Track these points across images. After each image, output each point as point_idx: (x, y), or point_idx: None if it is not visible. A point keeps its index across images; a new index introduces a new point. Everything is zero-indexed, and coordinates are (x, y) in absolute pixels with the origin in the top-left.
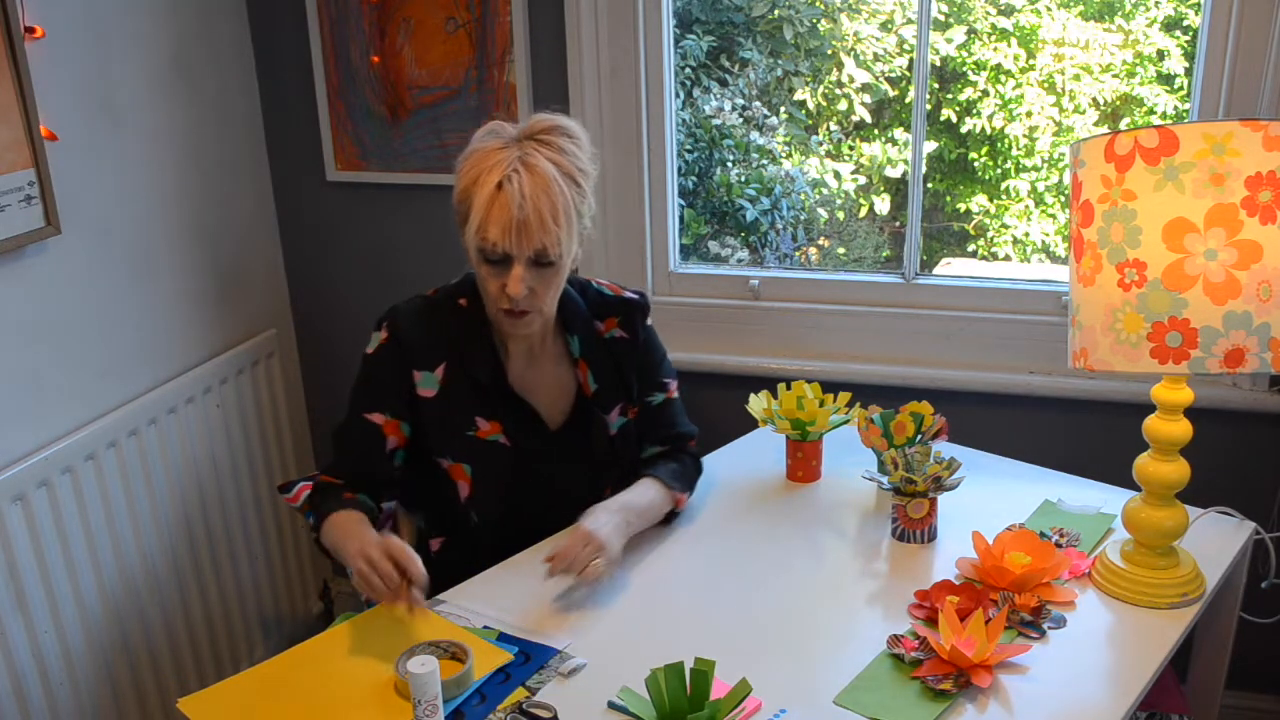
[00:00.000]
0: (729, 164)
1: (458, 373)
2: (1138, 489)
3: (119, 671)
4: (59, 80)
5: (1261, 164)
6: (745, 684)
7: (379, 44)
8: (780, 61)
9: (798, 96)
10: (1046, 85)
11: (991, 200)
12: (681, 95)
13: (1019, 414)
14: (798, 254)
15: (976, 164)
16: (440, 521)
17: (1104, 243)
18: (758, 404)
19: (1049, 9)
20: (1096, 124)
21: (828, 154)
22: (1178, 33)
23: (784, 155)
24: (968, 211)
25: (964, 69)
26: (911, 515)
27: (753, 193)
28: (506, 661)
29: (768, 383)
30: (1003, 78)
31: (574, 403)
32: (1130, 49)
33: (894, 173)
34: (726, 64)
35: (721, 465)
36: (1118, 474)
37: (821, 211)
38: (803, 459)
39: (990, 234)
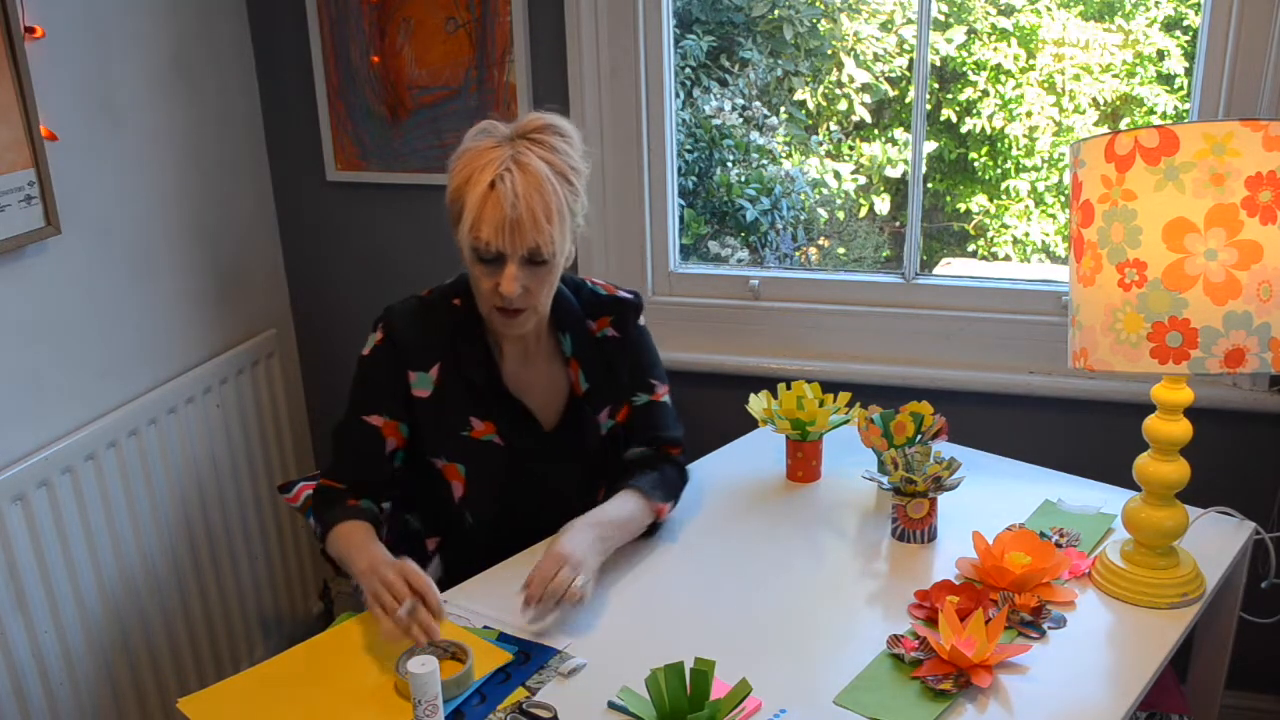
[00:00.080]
0: (729, 164)
1: (452, 373)
2: (1138, 489)
3: (119, 671)
4: (59, 80)
5: (1261, 164)
6: (745, 684)
7: (379, 44)
8: (780, 61)
9: (798, 96)
10: (1046, 85)
11: (991, 200)
12: (681, 95)
13: (1019, 414)
14: (798, 254)
15: (976, 164)
16: (435, 521)
17: (1104, 243)
18: (758, 404)
19: (1049, 9)
20: (1096, 124)
21: (828, 154)
22: (1178, 33)
23: (784, 155)
24: (968, 211)
25: (964, 69)
26: (911, 515)
27: (753, 193)
28: (506, 661)
29: (768, 383)
30: (1003, 78)
31: (567, 402)
32: (1130, 49)
33: (894, 173)
34: (726, 64)
35: (721, 465)
36: (1118, 474)
37: (821, 211)
38: (803, 459)
39: (990, 234)
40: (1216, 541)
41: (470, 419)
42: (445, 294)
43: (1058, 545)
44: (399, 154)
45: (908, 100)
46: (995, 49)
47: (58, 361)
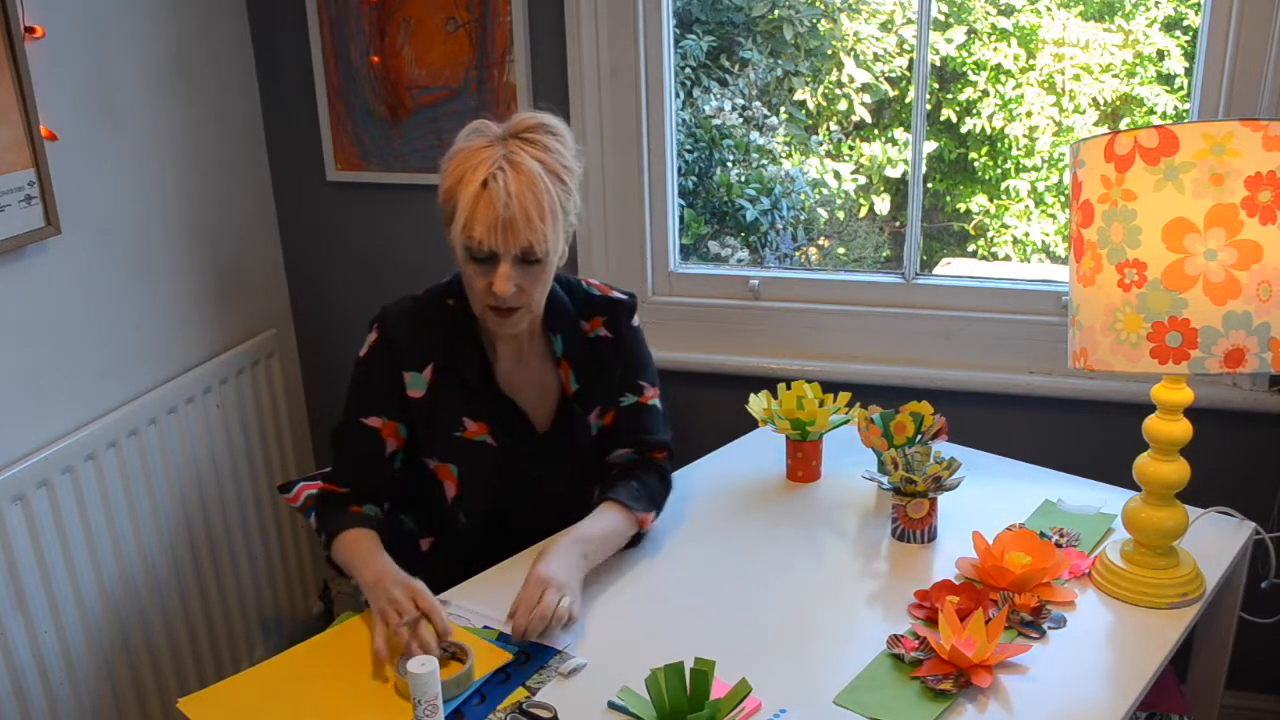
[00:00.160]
0: (729, 164)
1: (445, 373)
2: (1138, 489)
3: (119, 671)
4: (59, 80)
5: (1261, 164)
6: (745, 684)
7: (379, 44)
8: (780, 61)
9: (798, 96)
10: (1046, 85)
11: (991, 200)
12: (681, 95)
13: (1019, 414)
14: (798, 254)
15: (976, 164)
16: (428, 522)
17: (1104, 243)
18: (758, 404)
19: (1049, 9)
20: (1096, 124)
21: (828, 154)
22: (1178, 33)
23: (784, 155)
24: (968, 211)
25: (964, 69)
26: (911, 515)
27: (753, 193)
28: (506, 661)
29: (768, 383)
30: (1003, 78)
31: (558, 403)
32: (1130, 49)
33: (894, 173)
34: (726, 64)
35: (721, 465)
36: (1118, 474)
37: (821, 211)
38: (803, 459)
39: (990, 234)
40: (1216, 541)
41: (463, 419)
42: (439, 294)
43: (1058, 545)
44: (399, 154)
45: (908, 100)
46: (995, 49)
47: (58, 361)
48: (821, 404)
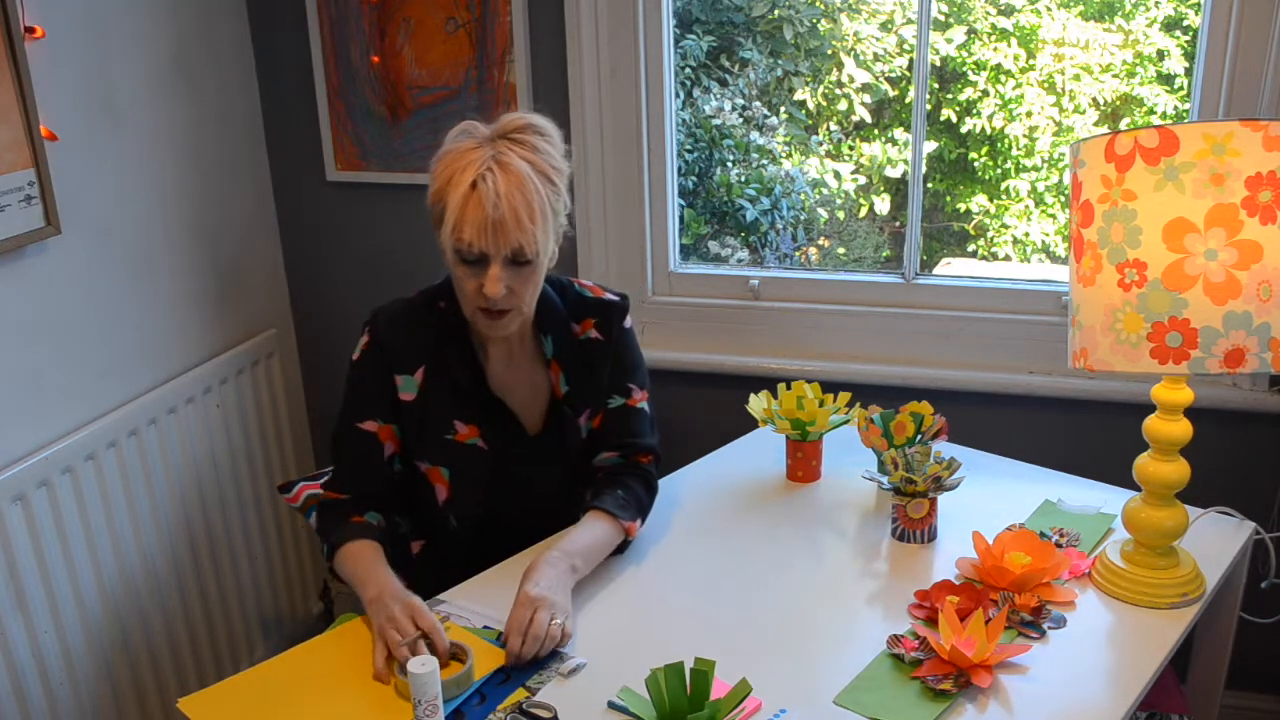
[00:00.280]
0: (729, 164)
1: (436, 376)
2: (1138, 489)
3: (119, 671)
4: (59, 80)
5: (1261, 164)
6: (745, 684)
7: (379, 44)
8: (780, 61)
9: (798, 96)
10: (1046, 85)
11: (991, 200)
12: (681, 95)
13: (1019, 414)
14: (798, 254)
15: (976, 164)
16: (419, 524)
17: (1104, 243)
18: (758, 404)
19: (1049, 9)
20: (1096, 124)
21: (828, 154)
22: (1178, 33)
23: (784, 155)
24: (968, 211)
25: (964, 69)
26: (911, 515)
27: (753, 193)
28: (506, 661)
29: (768, 383)
30: (1003, 78)
31: (549, 404)
32: (1130, 49)
33: (894, 173)
34: (726, 64)
35: (721, 465)
36: (1118, 474)
37: (821, 211)
38: (803, 459)
39: (990, 234)
40: (1216, 541)
41: (454, 422)
42: (431, 296)
43: (1058, 545)
44: (399, 154)
45: (908, 100)
46: (995, 49)
47: (58, 361)
48: (821, 404)
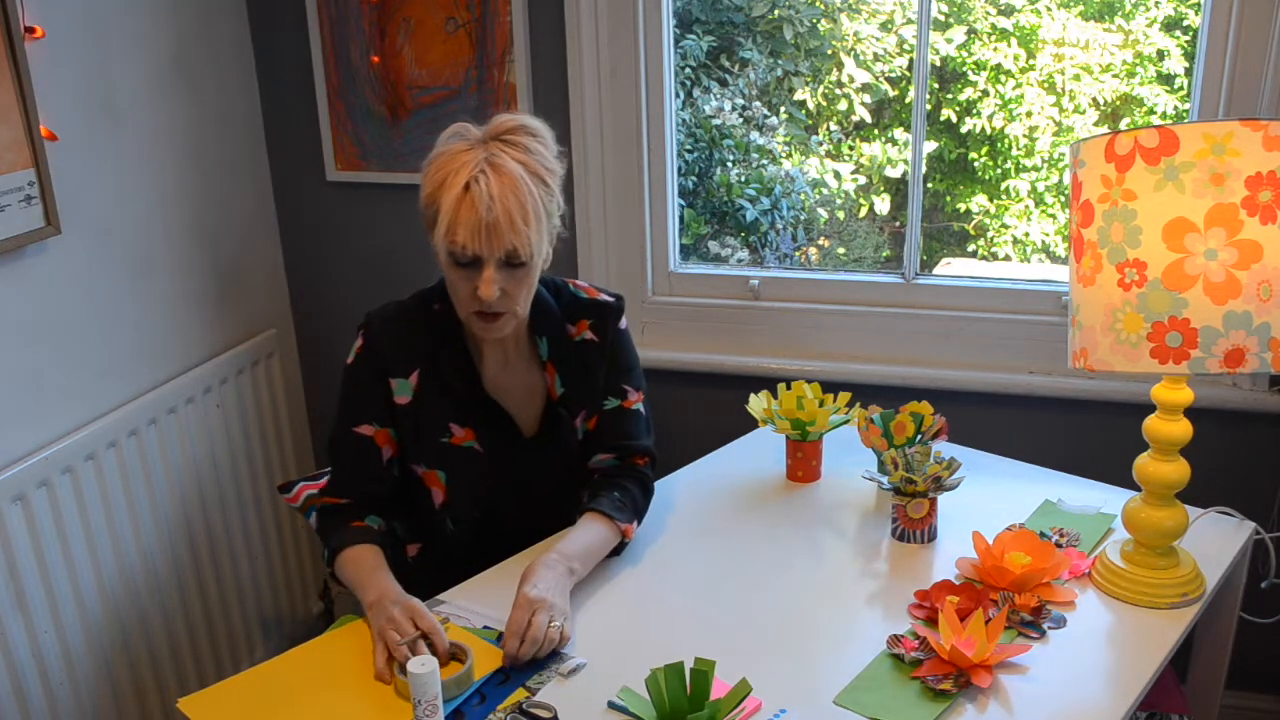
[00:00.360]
0: (729, 164)
1: (431, 379)
2: (1138, 489)
3: (119, 671)
4: (59, 80)
5: (1261, 164)
6: (745, 684)
7: (379, 44)
8: (780, 61)
9: (798, 96)
10: (1046, 85)
11: (991, 200)
12: (681, 95)
13: (1019, 414)
14: (798, 254)
15: (976, 164)
16: (415, 527)
17: (1104, 243)
18: (758, 404)
19: (1049, 9)
20: (1096, 124)
21: (828, 154)
22: (1178, 33)
23: (784, 155)
24: (968, 211)
25: (964, 69)
26: (911, 515)
27: (753, 193)
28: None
29: (768, 383)
30: (1003, 78)
31: (545, 406)
32: (1130, 49)
33: (894, 173)
34: (726, 64)
35: (721, 465)
36: (1118, 474)
37: (821, 211)
38: (803, 459)
39: (990, 234)
40: (1216, 541)
41: (450, 425)
42: (425, 299)
43: (1058, 545)
44: (399, 154)
45: (908, 100)
46: (995, 49)
47: (58, 361)
48: (821, 404)
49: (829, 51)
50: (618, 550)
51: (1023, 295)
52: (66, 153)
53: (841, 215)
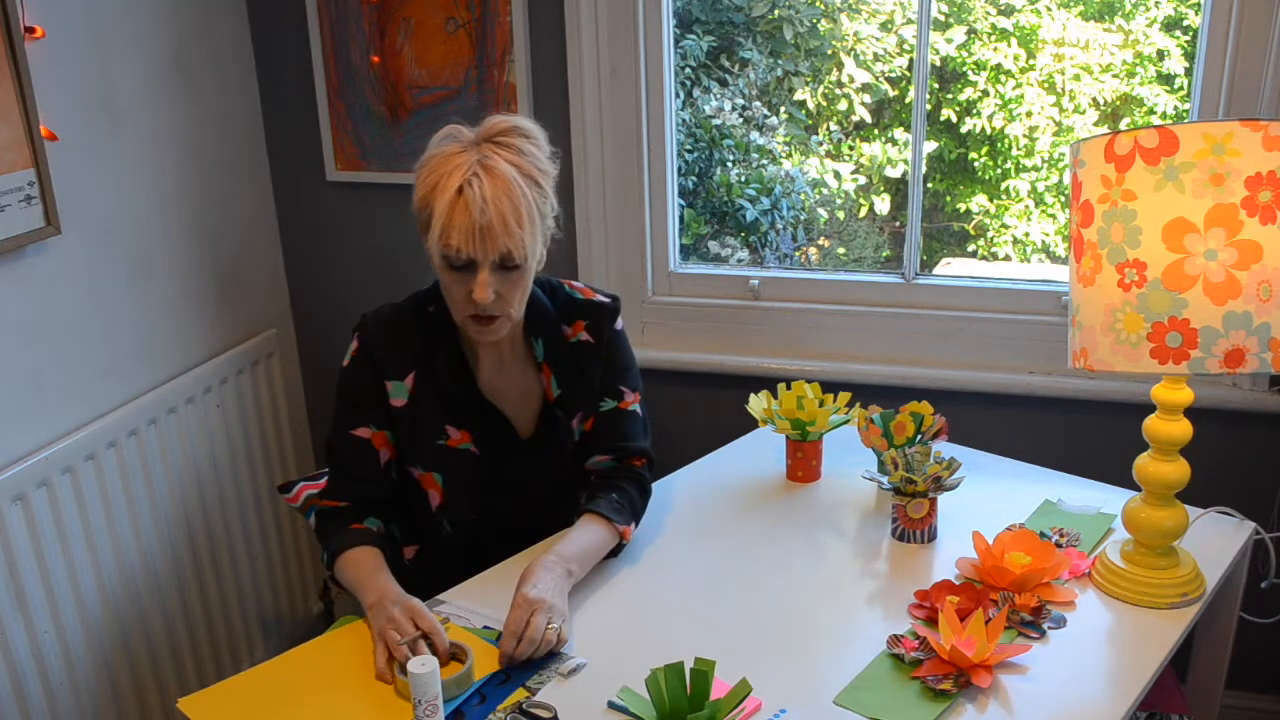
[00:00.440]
0: (729, 164)
1: (426, 382)
2: (1138, 489)
3: (119, 671)
4: (59, 80)
5: (1261, 164)
6: (745, 684)
7: (379, 44)
8: (780, 61)
9: (798, 96)
10: (1046, 85)
11: (991, 200)
12: (681, 95)
13: (1019, 414)
14: (798, 254)
15: (976, 164)
16: (412, 530)
17: (1104, 243)
18: (758, 404)
19: (1049, 9)
20: (1096, 124)
21: (828, 154)
22: (1178, 33)
23: (784, 155)
24: (968, 211)
25: (964, 69)
26: (911, 515)
27: (753, 193)
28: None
29: (768, 383)
30: (1003, 78)
31: (541, 408)
32: (1130, 49)
33: (894, 173)
34: (726, 64)
35: (721, 465)
36: (1118, 474)
37: (821, 211)
38: (803, 459)
39: (990, 234)
40: (1216, 541)
41: (446, 428)
42: (420, 301)
43: (1058, 545)
44: (399, 154)
45: (908, 100)
46: (995, 49)
47: (58, 361)
48: (821, 404)
49: (829, 51)
50: (615, 552)
51: (1023, 295)
52: (66, 153)
53: (841, 215)
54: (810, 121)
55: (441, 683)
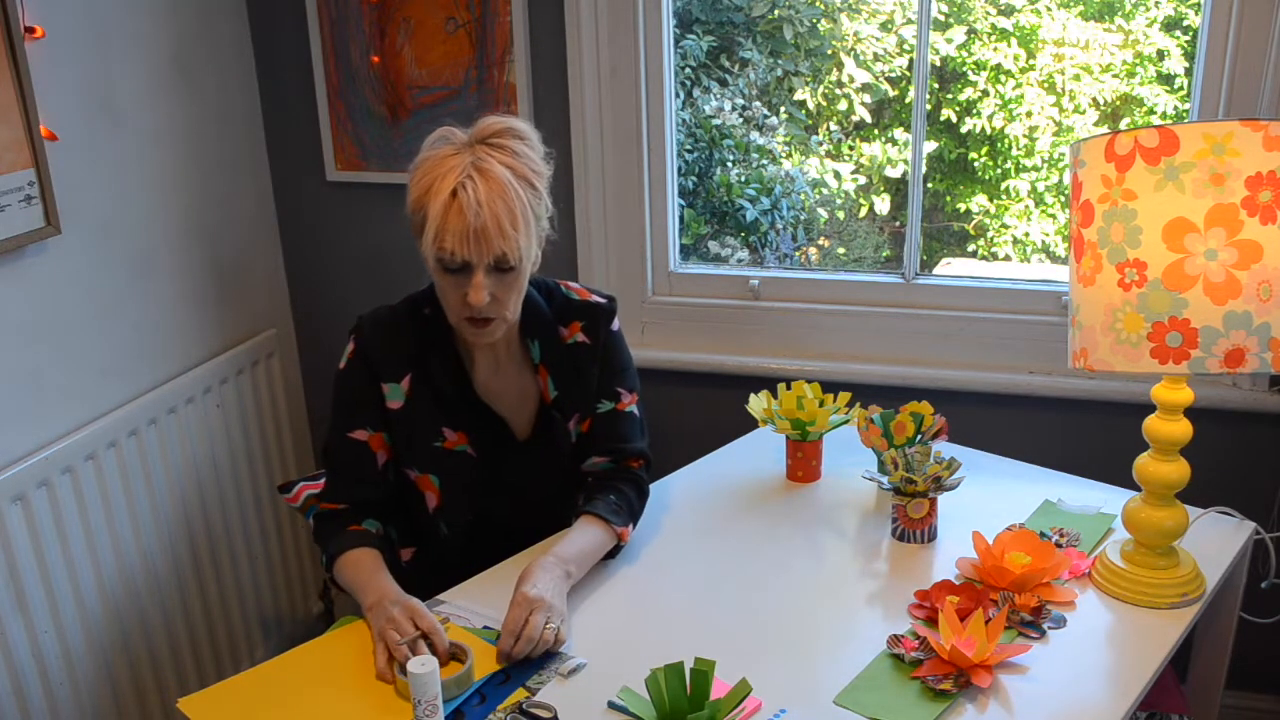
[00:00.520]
0: (729, 164)
1: (422, 384)
2: (1138, 489)
3: (119, 671)
4: (59, 80)
5: (1261, 164)
6: (745, 684)
7: (379, 44)
8: (780, 61)
9: (798, 96)
10: (1046, 85)
11: (991, 200)
12: (681, 95)
13: (1019, 414)
14: (798, 254)
15: (976, 164)
16: (410, 532)
17: (1104, 243)
18: (758, 404)
19: (1049, 9)
20: (1096, 124)
21: (828, 154)
22: (1178, 33)
23: (784, 155)
24: (968, 211)
25: (964, 69)
26: (911, 515)
27: (753, 193)
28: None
29: (768, 383)
30: (1003, 78)
31: (538, 410)
32: (1130, 49)
33: (894, 173)
34: (726, 64)
35: (721, 465)
36: (1118, 474)
37: (821, 211)
38: (803, 459)
39: (990, 234)
40: (1216, 541)
41: (442, 430)
42: (416, 303)
43: (1058, 545)
44: (399, 154)
45: (908, 100)
46: (995, 49)
47: (58, 361)
48: (821, 404)
49: (829, 51)
50: (612, 554)
51: (1023, 295)
52: (66, 153)
53: (841, 215)
54: (810, 121)
55: (441, 683)
